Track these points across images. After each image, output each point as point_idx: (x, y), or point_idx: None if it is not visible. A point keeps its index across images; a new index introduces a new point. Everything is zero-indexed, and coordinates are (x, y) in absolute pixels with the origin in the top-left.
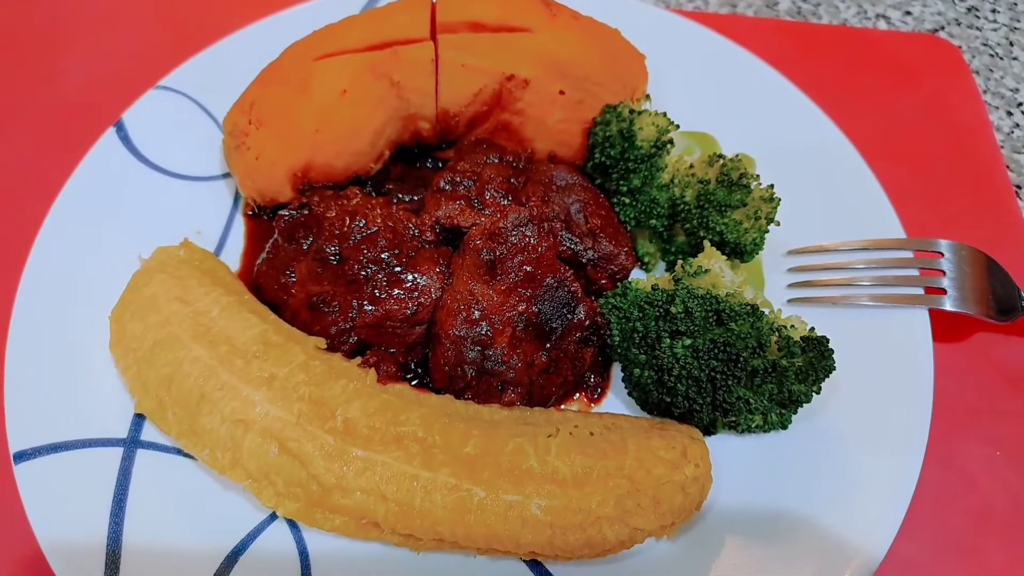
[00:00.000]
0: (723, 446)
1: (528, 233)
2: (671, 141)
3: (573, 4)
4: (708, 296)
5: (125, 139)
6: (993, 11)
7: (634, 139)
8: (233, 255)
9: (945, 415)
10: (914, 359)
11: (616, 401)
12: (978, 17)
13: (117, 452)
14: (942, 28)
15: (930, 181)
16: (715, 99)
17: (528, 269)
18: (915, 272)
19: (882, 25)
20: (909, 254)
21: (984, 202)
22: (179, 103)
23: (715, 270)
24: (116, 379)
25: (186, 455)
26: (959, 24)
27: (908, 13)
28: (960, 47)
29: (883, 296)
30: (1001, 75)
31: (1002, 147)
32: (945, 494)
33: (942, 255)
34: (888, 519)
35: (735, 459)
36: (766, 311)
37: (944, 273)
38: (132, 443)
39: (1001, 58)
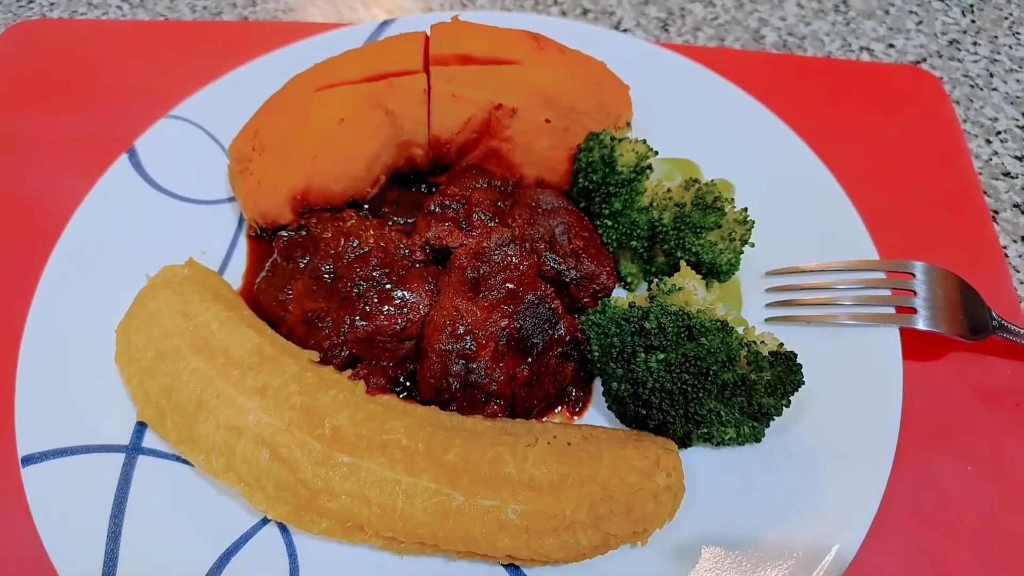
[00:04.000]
0: (700, 459)
1: (510, 252)
2: (650, 167)
3: (563, 38)
4: (680, 313)
5: (137, 165)
6: (974, 43)
7: (615, 165)
8: (236, 274)
9: (919, 431)
10: (884, 375)
11: (597, 415)
12: (959, 50)
13: (119, 458)
14: (924, 60)
15: (910, 206)
16: (698, 128)
17: (510, 287)
18: (888, 293)
19: (865, 57)
20: (883, 275)
21: (962, 227)
22: (188, 131)
23: (688, 288)
24: (120, 389)
25: (184, 462)
26: (940, 56)
27: (891, 46)
28: (941, 78)
29: (856, 315)
30: (981, 105)
31: (980, 174)
32: (917, 507)
33: (914, 276)
34: (855, 528)
35: (712, 471)
36: (740, 329)
37: (915, 293)
38: (134, 449)
39: (981, 88)
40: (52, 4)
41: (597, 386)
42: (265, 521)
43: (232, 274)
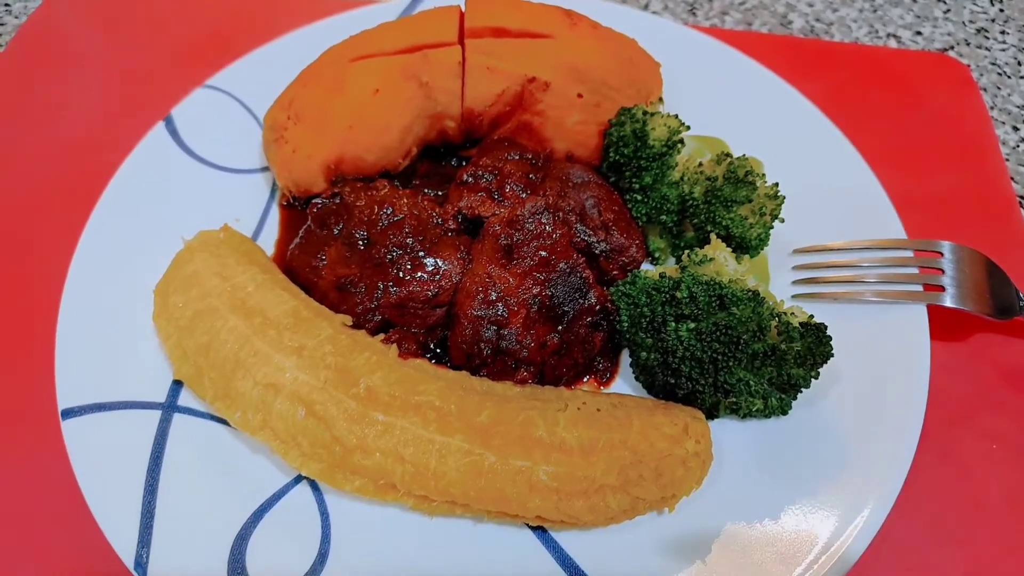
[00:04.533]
0: (727, 431)
1: (544, 220)
2: (682, 141)
3: (599, 17)
4: (712, 282)
5: (173, 132)
6: (1002, 32)
7: (647, 139)
8: (268, 242)
9: (944, 409)
10: (911, 353)
11: (624, 386)
12: (987, 38)
13: (156, 415)
14: (952, 48)
15: (937, 193)
16: (727, 107)
17: (543, 254)
18: (915, 271)
19: (893, 44)
20: (910, 254)
21: (988, 211)
22: (224, 101)
23: (719, 259)
24: (157, 348)
25: (218, 420)
26: (968, 44)
27: (919, 33)
28: (969, 66)
29: (884, 292)
30: (1009, 92)
31: (1007, 160)
32: (941, 484)
33: (942, 255)
34: (879, 503)
35: (739, 443)
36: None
37: (943, 272)
38: (169, 407)
39: (1009, 76)
40: None
41: (624, 358)
42: (297, 480)
43: (264, 242)
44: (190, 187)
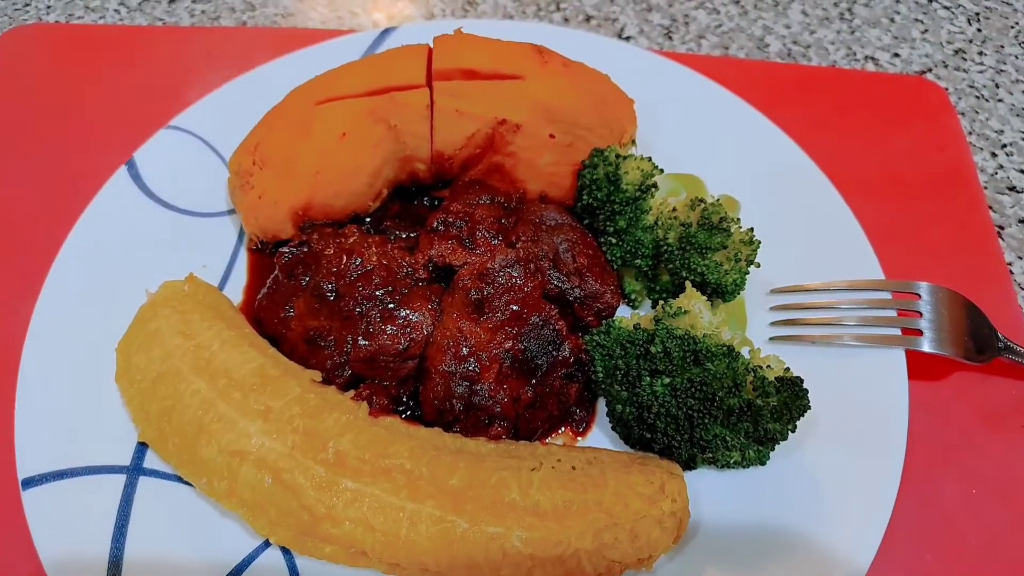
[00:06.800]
0: (704, 480)
1: (515, 274)
2: (655, 185)
3: (567, 48)
4: (686, 336)
5: (136, 177)
6: (980, 54)
7: (620, 182)
8: (236, 288)
9: (923, 453)
10: (890, 398)
11: (601, 435)
12: (965, 59)
13: (120, 479)
14: (929, 70)
15: (914, 221)
16: (703, 142)
17: (514, 308)
18: (893, 313)
19: (870, 67)
20: (888, 295)
21: (966, 242)
22: (188, 142)
23: (694, 311)
24: (121, 408)
25: (186, 483)
26: (946, 66)
27: (896, 55)
28: (947, 89)
29: (862, 336)
30: (987, 117)
31: (986, 188)
32: (922, 529)
33: (920, 297)
34: (862, 551)
35: (716, 493)
36: (745, 350)
37: (921, 315)
38: (135, 470)
39: (987, 100)
40: (48, 7)
41: (601, 406)
42: (268, 543)
43: (233, 287)
44: (155, 233)
